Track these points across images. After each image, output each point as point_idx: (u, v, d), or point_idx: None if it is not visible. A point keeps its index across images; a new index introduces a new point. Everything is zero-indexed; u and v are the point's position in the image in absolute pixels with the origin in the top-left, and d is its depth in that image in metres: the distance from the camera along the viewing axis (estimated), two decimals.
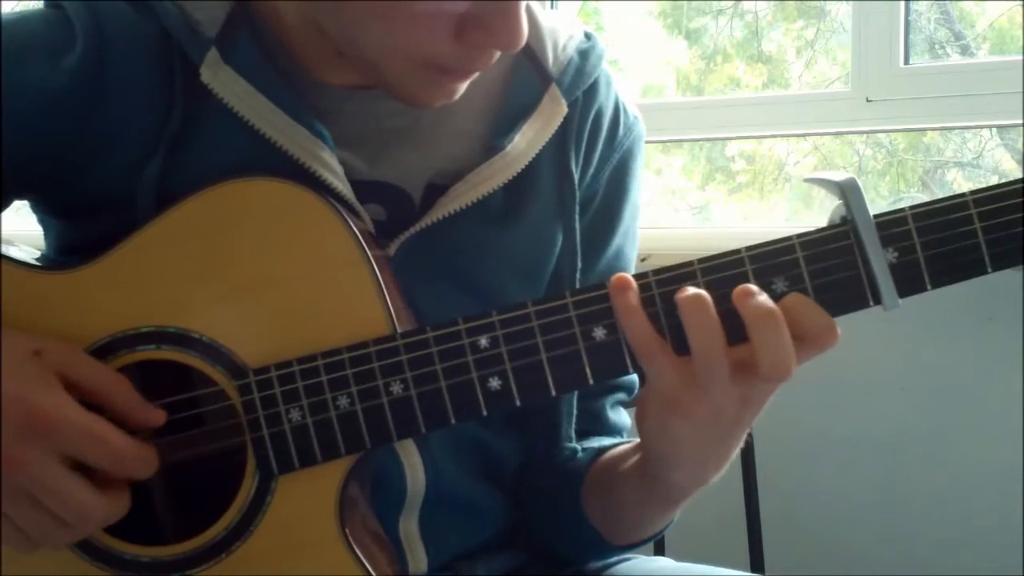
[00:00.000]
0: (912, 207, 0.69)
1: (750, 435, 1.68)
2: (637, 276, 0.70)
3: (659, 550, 1.68)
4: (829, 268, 0.69)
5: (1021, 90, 1.76)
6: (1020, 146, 2.06)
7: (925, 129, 2.10)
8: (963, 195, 0.69)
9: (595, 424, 0.92)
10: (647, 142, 0.96)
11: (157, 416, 0.72)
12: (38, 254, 0.82)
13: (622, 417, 0.94)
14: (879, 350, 1.85)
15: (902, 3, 1.94)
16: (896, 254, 0.69)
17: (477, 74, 0.77)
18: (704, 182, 2.43)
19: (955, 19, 2.14)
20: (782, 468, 1.88)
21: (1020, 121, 1.80)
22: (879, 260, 0.68)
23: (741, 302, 0.67)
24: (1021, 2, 1.99)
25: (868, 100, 1.95)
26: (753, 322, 0.66)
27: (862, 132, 2.13)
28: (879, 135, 2.17)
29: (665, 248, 1.93)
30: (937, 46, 2.12)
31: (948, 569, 1.79)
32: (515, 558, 0.91)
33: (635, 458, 0.80)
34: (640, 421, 0.74)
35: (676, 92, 2.42)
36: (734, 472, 1.71)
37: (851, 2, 2.03)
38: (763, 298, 0.67)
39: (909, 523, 1.85)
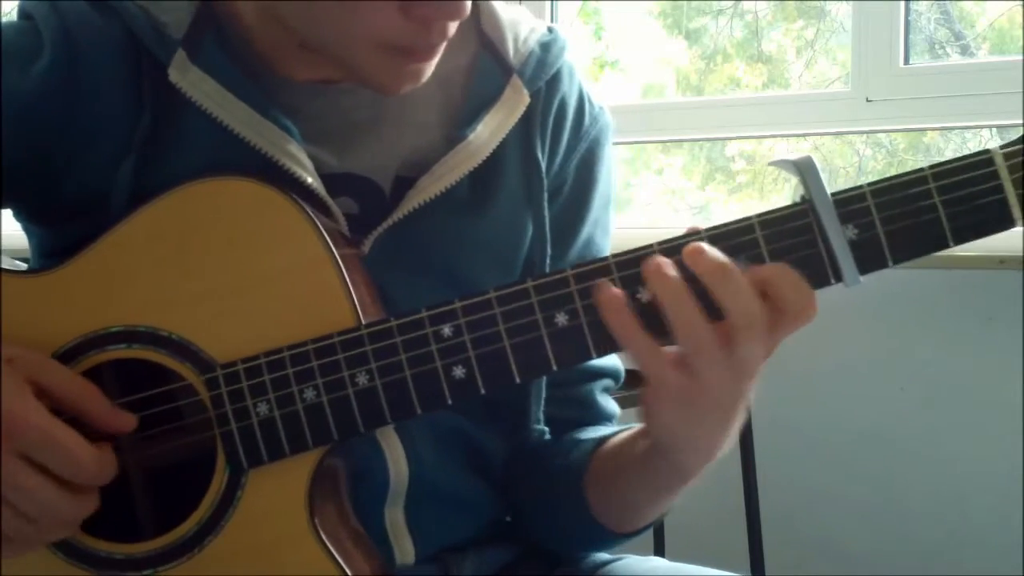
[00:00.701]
0: (870, 183, 0.69)
1: (750, 435, 1.69)
2: (596, 261, 0.70)
3: (659, 550, 1.68)
4: (789, 247, 0.69)
5: (1021, 90, 1.76)
6: None
7: (925, 129, 2.11)
8: (921, 170, 0.69)
9: (587, 412, 0.92)
10: (647, 142, 0.97)
11: (127, 421, 0.73)
12: (24, 267, 0.83)
13: (611, 404, 0.94)
14: (879, 350, 1.85)
15: (902, 3, 1.94)
16: (856, 231, 0.68)
17: (439, 52, 0.77)
18: (704, 182, 2.43)
19: (955, 19, 2.14)
20: (782, 468, 1.88)
21: (1020, 121, 1.80)
22: (838, 237, 0.68)
23: (692, 259, 0.67)
24: (1021, 2, 2.00)
25: (868, 100, 1.96)
26: (710, 276, 0.66)
27: (862, 132, 2.13)
28: (879, 135, 2.18)
29: None
30: (937, 46, 2.13)
31: (948, 569, 1.80)
32: (506, 554, 0.91)
33: (640, 445, 0.81)
34: (646, 414, 0.74)
35: (676, 92, 2.42)
36: (734, 472, 1.71)
37: (851, 2, 2.03)
38: (714, 252, 0.67)
39: (909, 523, 1.85)
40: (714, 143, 2.37)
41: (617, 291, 0.68)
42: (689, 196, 2.43)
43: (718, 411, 0.71)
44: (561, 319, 0.70)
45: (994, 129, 2.07)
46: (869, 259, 0.69)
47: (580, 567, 0.91)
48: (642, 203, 2.55)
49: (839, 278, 0.69)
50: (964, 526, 1.80)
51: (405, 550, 0.84)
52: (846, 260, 0.68)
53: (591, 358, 0.71)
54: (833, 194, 0.69)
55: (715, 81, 2.41)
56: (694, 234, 0.70)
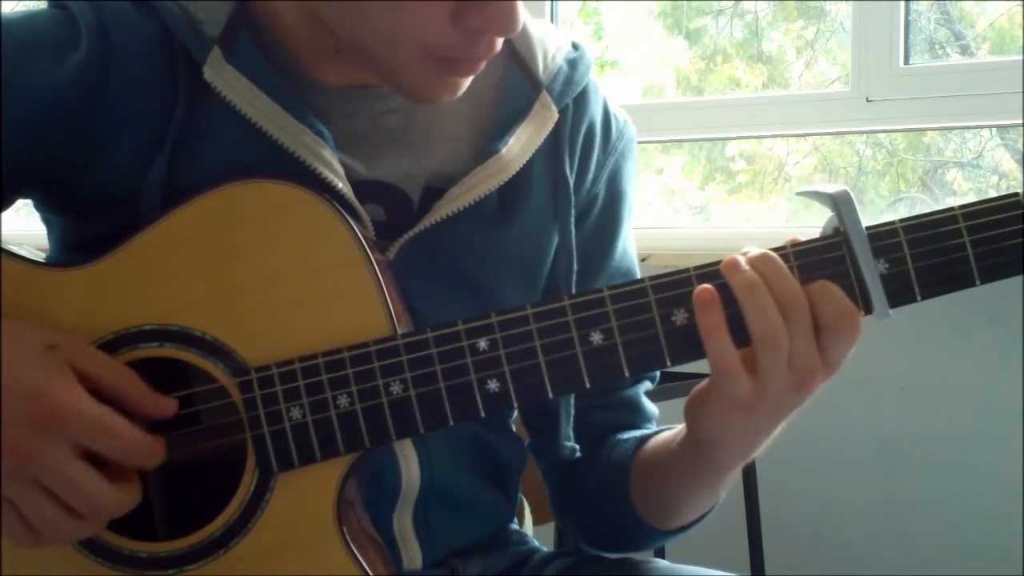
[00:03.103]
0: (903, 220, 0.71)
1: None
2: (633, 283, 0.72)
3: (659, 552, 1.68)
4: (822, 278, 0.71)
5: (1021, 90, 1.76)
6: (1020, 146, 2.06)
7: (925, 129, 2.11)
8: (952, 209, 0.71)
9: (633, 415, 0.94)
10: (647, 142, 0.97)
11: (167, 405, 0.73)
12: (42, 256, 0.82)
13: (652, 405, 0.96)
14: (879, 351, 1.85)
15: (902, 3, 1.94)
16: (887, 265, 0.71)
17: (481, 67, 0.77)
18: (704, 182, 2.43)
19: (955, 19, 2.14)
20: (782, 468, 1.88)
21: (1020, 121, 1.80)
22: (871, 271, 0.70)
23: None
24: (1021, 2, 2.00)
25: (868, 100, 1.96)
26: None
27: (862, 132, 2.13)
28: (879, 135, 2.17)
29: (665, 248, 1.93)
30: (937, 46, 2.13)
31: (948, 569, 1.80)
32: (509, 557, 0.92)
33: (681, 442, 0.81)
34: (696, 416, 0.75)
35: (676, 92, 2.42)
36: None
37: (851, 2, 2.03)
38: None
39: (909, 523, 1.85)
40: (714, 143, 2.37)
41: (710, 288, 0.70)
42: (689, 196, 2.43)
43: (770, 418, 0.73)
44: (596, 338, 0.71)
45: (994, 129, 2.07)
46: (899, 293, 0.71)
47: (582, 569, 0.92)
48: (642, 203, 2.55)
49: (869, 310, 0.71)
50: (964, 526, 1.80)
51: (412, 555, 0.85)
52: (877, 293, 0.70)
53: (624, 377, 0.73)
54: (867, 228, 0.70)
55: (715, 81, 2.41)
56: (716, 264, 0.71)
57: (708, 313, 0.70)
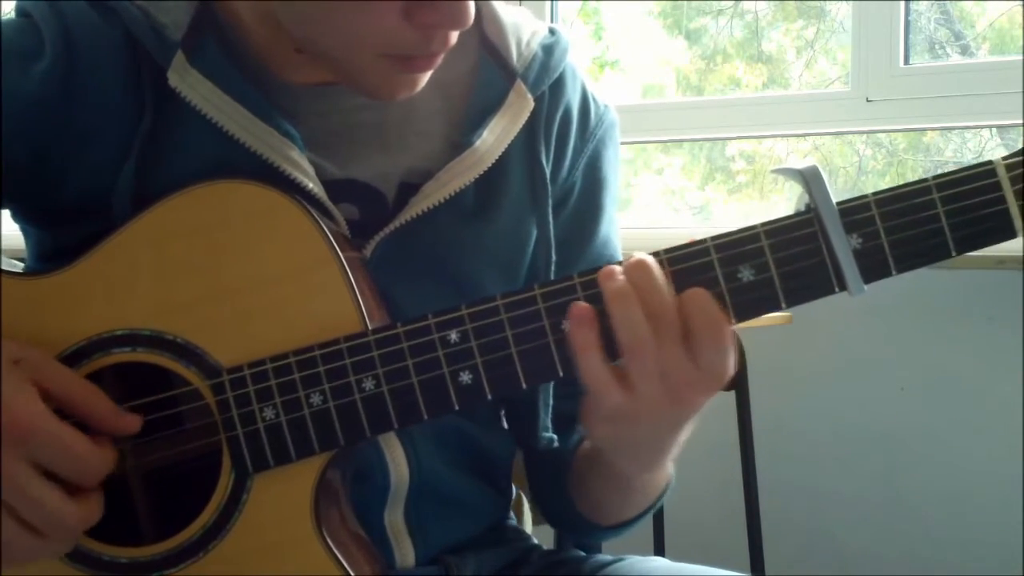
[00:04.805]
0: (875, 193, 0.69)
1: (750, 435, 1.69)
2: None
3: (659, 550, 1.68)
4: (794, 256, 0.69)
5: (1021, 90, 1.76)
6: (1020, 146, 2.06)
7: (925, 129, 2.11)
8: (925, 180, 0.69)
9: None
10: (647, 142, 0.96)
11: (131, 422, 0.73)
12: (21, 267, 0.82)
13: None
14: (879, 350, 1.85)
15: (902, 3, 1.94)
16: (860, 240, 0.69)
17: (438, 62, 0.77)
18: (704, 182, 2.43)
19: (955, 19, 2.14)
20: (782, 468, 1.88)
21: (1020, 121, 1.80)
22: (843, 246, 0.68)
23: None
24: (1021, 2, 2.00)
25: (868, 100, 1.96)
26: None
27: (862, 132, 2.13)
28: (879, 135, 2.18)
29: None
30: (937, 46, 2.13)
31: (948, 569, 1.80)
32: (506, 555, 0.92)
33: (591, 449, 0.83)
34: (587, 427, 0.75)
35: (676, 92, 2.42)
36: (734, 472, 1.71)
37: (851, 2, 2.03)
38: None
39: (909, 523, 1.85)
40: (714, 143, 2.37)
41: (586, 305, 0.69)
42: (689, 196, 2.43)
43: (656, 429, 0.73)
44: (567, 326, 0.70)
45: (994, 129, 2.07)
46: (873, 268, 0.69)
47: (581, 568, 0.92)
48: (642, 203, 2.55)
49: (843, 287, 0.69)
50: (964, 526, 1.80)
51: (405, 552, 0.84)
52: (850, 269, 0.69)
53: None
54: (838, 203, 0.69)
55: (715, 81, 2.41)
56: (698, 243, 0.70)
57: (580, 329, 0.68)
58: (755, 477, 1.74)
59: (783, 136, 2.23)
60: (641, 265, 0.68)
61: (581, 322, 0.68)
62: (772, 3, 2.31)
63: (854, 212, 0.69)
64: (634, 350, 0.67)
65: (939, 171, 0.70)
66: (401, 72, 0.76)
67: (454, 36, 0.75)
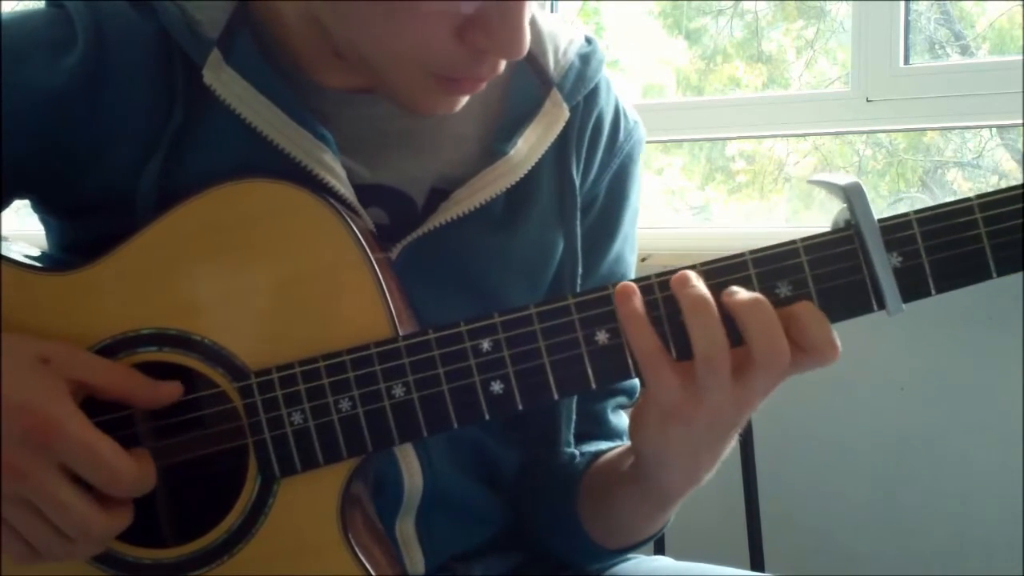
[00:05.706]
0: (917, 212, 0.68)
1: (750, 434, 1.69)
2: (639, 279, 0.70)
3: (659, 550, 1.68)
4: (833, 273, 0.68)
5: (1021, 90, 1.76)
6: (1020, 146, 2.06)
7: (925, 129, 2.10)
8: (968, 199, 0.68)
9: (596, 427, 0.92)
10: (647, 142, 0.96)
11: (171, 391, 0.72)
12: (38, 252, 0.82)
13: (622, 420, 0.94)
14: (879, 350, 1.85)
15: (902, 3, 1.94)
16: (900, 259, 0.68)
17: (482, 87, 0.75)
18: (704, 182, 2.42)
19: (955, 19, 2.14)
20: (782, 468, 1.88)
21: (1020, 121, 1.80)
22: (883, 265, 0.67)
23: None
24: (1021, 2, 1.99)
25: (868, 100, 1.95)
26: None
27: (862, 132, 2.13)
28: (879, 135, 2.17)
29: (665, 248, 1.93)
30: (937, 46, 2.12)
31: (948, 569, 1.79)
32: (512, 559, 0.91)
33: (629, 461, 0.81)
34: (636, 428, 0.74)
35: (676, 92, 2.42)
36: (734, 472, 1.71)
37: (851, 2, 2.03)
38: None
39: (909, 523, 1.85)
40: (714, 143, 2.37)
41: (639, 303, 0.68)
42: (689, 196, 2.43)
43: (710, 435, 0.71)
44: (602, 336, 0.69)
45: (994, 129, 2.07)
46: (912, 288, 0.68)
47: (585, 568, 0.91)
48: (642, 203, 2.54)
49: (882, 305, 0.69)
50: (964, 526, 1.80)
51: (415, 560, 0.84)
52: (890, 288, 0.68)
53: (630, 377, 0.71)
54: (879, 220, 0.68)
55: (715, 81, 2.41)
56: (736, 257, 0.69)
57: (626, 301, 0.68)
58: (755, 477, 1.73)
59: (783, 136, 2.23)
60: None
61: (633, 319, 0.68)
62: (772, 3, 2.31)
63: (895, 230, 0.68)
64: (711, 358, 0.66)
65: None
66: (443, 92, 0.74)
67: (503, 64, 0.73)
